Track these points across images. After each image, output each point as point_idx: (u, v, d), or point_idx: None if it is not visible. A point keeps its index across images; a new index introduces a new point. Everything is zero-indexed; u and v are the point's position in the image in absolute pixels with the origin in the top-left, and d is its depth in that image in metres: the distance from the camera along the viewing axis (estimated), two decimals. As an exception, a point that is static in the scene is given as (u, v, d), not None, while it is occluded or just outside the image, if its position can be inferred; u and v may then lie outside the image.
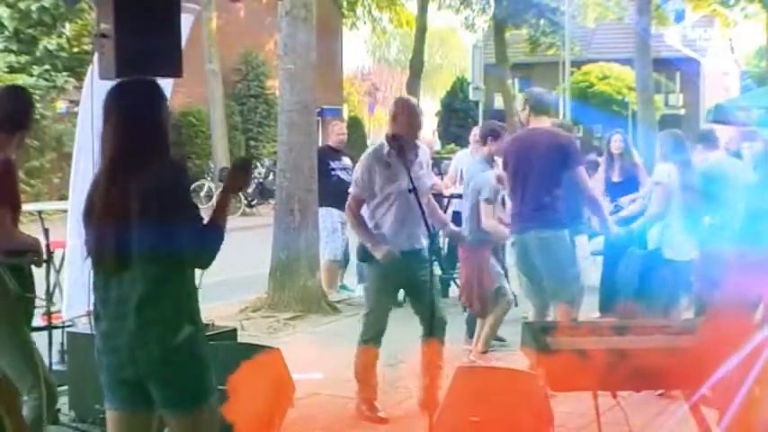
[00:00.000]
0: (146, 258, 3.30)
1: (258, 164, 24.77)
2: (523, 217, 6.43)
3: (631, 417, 4.37)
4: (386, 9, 34.31)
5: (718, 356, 3.37)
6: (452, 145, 32.06)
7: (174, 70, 5.66)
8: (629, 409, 4.29)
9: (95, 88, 6.20)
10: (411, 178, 5.37)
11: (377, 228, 5.73)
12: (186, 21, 6.51)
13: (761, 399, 2.84)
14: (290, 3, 9.71)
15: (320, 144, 11.78)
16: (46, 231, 5.70)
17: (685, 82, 38.78)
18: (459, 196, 8.55)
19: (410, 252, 5.69)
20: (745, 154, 8.21)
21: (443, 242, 9.05)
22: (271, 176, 22.05)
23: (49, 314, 5.82)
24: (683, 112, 38.39)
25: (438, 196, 8.73)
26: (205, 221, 3.38)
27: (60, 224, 7.07)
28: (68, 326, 6.31)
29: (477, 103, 27.18)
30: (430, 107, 45.73)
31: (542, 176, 6.29)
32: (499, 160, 7.07)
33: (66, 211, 6.98)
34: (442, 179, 10.92)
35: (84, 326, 5.97)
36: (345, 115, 34.22)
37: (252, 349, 5.00)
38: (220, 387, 3.62)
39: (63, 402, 5.65)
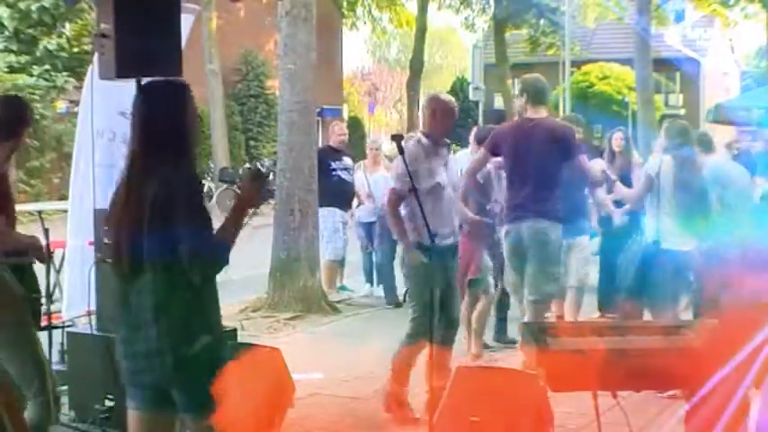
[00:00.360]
0: (156, 265, 3.29)
1: (258, 164, 24.76)
2: (521, 207, 6.32)
3: (631, 417, 4.37)
4: (386, 9, 34.27)
5: (723, 357, 3.37)
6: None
7: (174, 70, 5.66)
8: (629, 409, 4.29)
9: (95, 88, 6.21)
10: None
11: (414, 224, 5.65)
12: (186, 21, 6.51)
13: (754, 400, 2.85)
14: (290, 3, 9.71)
15: (320, 144, 11.79)
16: (46, 231, 5.68)
17: (685, 82, 38.77)
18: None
19: (446, 248, 5.71)
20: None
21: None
22: (271, 176, 22.03)
23: (49, 314, 5.81)
24: (683, 112, 38.35)
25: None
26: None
27: (60, 224, 7.07)
28: (68, 326, 6.31)
29: (477, 103, 27.21)
30: (430, 107, 45.66)
31: (541, 168, 6.21)
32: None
33: (66, 211, 6.98)
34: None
35: (84, 326, 5.98)
36: (345, 115, 34.23)
37: (252, 349, 4.99)
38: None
39: (63, 402, 5.65)
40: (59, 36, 22.28)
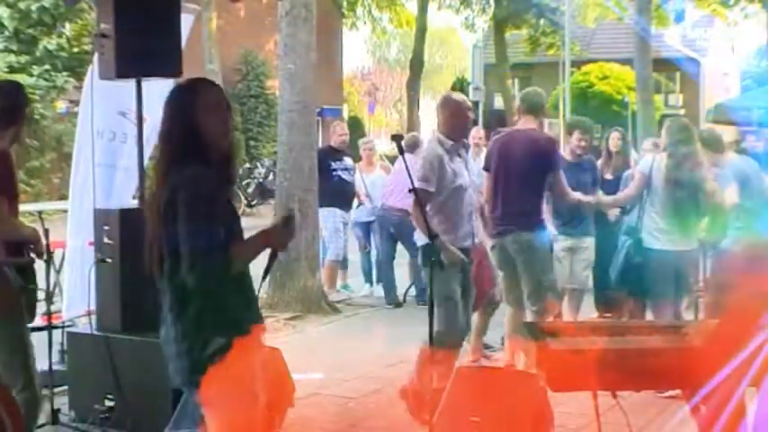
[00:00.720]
0: (169, 267, 3.32)
1: (258, 164, 24.77)
2: (504, 220, 6.39)
3: (631, 417, 4.37)
4: (386, 9, 34.27)
5: (723, 357, 3.37)
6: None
7: (174, 70, 5.68)
8: (629, 409, 4.29)
9: (95, 88, 6.21)
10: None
11: (443, 223, 5.65)
12: (186, 21, 6.51)
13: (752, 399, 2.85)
14: (289, 3, 9.71)
15: (320, 144, 11.80)
16: (46, 231, 5.67)
17: (685, 82, 38.73)
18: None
19: (465, 249, 5.75)
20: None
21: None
22: (271, 176, 22.05)
23: (49, 314, 5.82)
24: (683, 112, 38.33)
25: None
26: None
27: (60, 224, 7.07)
28: (68, 326, 6.31)
29: (477, 103, 27.16)
30: (430, 107, 45.72)
31: (522, 179, 6.26)
32: None
33: (66, 211, 6.98)
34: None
35: (84, 326, 5.98)
36: (345, 115, 34.22)
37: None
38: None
39: (63, 402, 5.66)
40: (59, 36, 22.26)
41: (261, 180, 23.57)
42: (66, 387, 5.75)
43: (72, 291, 6.62)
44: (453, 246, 5.63)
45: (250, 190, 23.38)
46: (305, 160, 9.70)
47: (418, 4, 32.56)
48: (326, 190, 9.96)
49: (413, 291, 10.18)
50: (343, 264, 10.89)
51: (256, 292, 3.53)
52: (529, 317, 6.36)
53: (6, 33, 21.47)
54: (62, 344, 6.18)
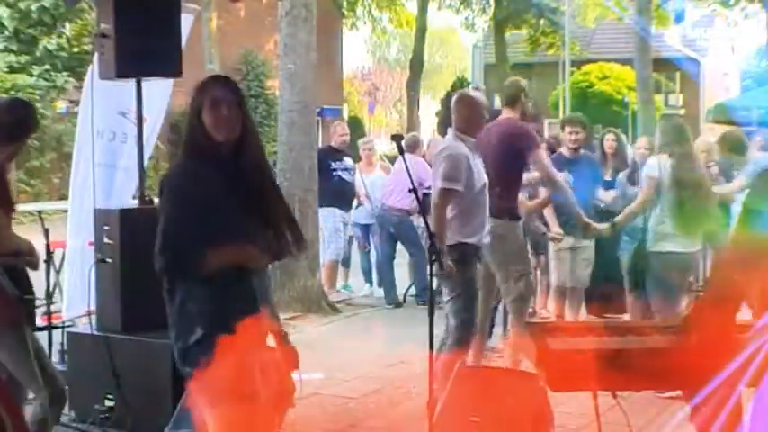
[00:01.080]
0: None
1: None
2: None
3: (631, 417, 4.37)
4: (386, 9, 34.30)
5: (702, 354, 3.38)
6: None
7: (174, 70, 5.69)
8: (628, 409, 4.29)
9: (95, 88, 6.21)
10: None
11: (470, 224, 5.61)
12: (186, 21, 6.51)
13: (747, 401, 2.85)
14: (289, 3, 9.71)
15: (320, 144, 11.79)
16: (46, 231, 5.70)
17: (685, 82, 38.75)
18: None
19: (480, 248, 5.74)
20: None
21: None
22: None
23: (49, 314, 5.82)
24: (682, 112, 38.35)
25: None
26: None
27: (60, 224, 7.07)
28: (68, 326, 6.31)
29: (477, 103, 27.13)
30: (430, 107, 45.74)
31: (494, 166, 6.11)
32: None
33: (66, 211, 6.98)
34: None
35: (84, 326, 5.97)
36: (345, 115, 34.23)
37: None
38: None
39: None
40: (59, 36, 22.28)
41: (261, 180, 23.56)
42: (66, 387, 5.75)
43: (72, 291, 6.62)
44: (481, 242, 5.65)
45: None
46: (305, 160, 9.70)
47: (418, 4, 32.59)
48: (326, 190, 9.96)
49: (413, 291, 10.18)
50: (345, 263, 10.90)
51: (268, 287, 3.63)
52: (508, 308, 6.37)
53: (6, 33, 21.49)
54: (62, 344, 6.18)
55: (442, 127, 38.85)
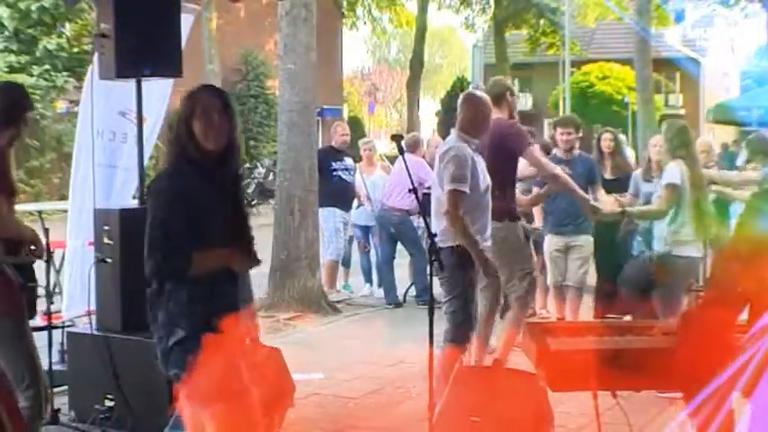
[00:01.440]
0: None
1: (258, 164, 24.77)
2: None
3: (631, 417, 4.37)
4: (386, 9, 34.32)
5: (701, 355, 3.38)
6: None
7: (174, 70, 5.68)
8: (628, 409, 4.29)
9: (95, 88, 6.21)
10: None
11: (474, 225, 5.56)
12: (186, 21, 6.50)
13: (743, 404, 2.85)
14: (290, 3, 9.70)
15: (320, 144, 11.79)
16: (46, 231, 5.68)
17: (685, 82, 38.78)
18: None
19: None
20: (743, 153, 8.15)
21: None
22: (271, 176, 22.07)
23: (49, 314, 5.82)
24: (682, 112, 38.38)
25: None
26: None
27: (60, 224, 7.06)
28: (68, 326, 6.31)
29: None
30: (430, 107, 45.76)
31: (488, 168, 6.05)
32: None
33: (66, 211, 6.97)
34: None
35: (84, 326, 5.97)
36: (345, 115, 34.23)
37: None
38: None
39: (63, 402, 5.66)
40: (59, 36, 22.28)
41: (261, 180, 23.58)
42: (66, 387, 5.75)
43: (72, 291, 6.61)
44: (484, 245, 5.60)
45: (250, 190, 23.36)
46: (305, 160, 9.70)
47: (418, 4, 32.60)
48: (327, 190, 9.96)
49: (413, 291, 10.18)
50: (345, 263, 10.90)
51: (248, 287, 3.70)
52: (511, 306, 6.37)
53: (6, 33, 21.49)
54: (62, 344, 6.17)
55: (442, 127, 38.95)
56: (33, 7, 21.04)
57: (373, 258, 10.68)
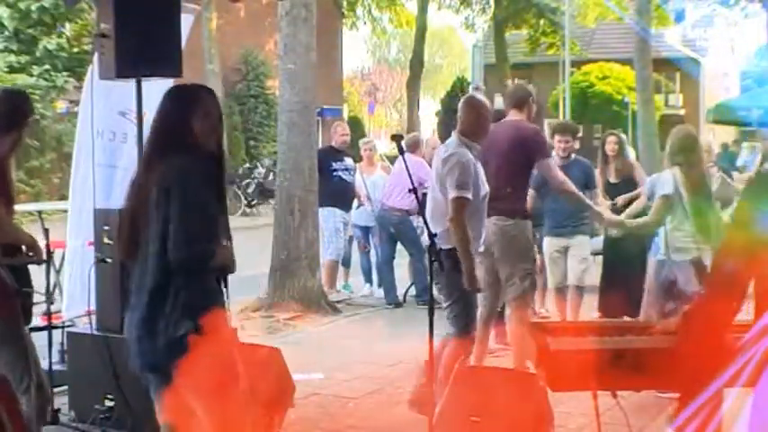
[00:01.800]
0: (154, 249, 3.43)
1: (258, 164, 24.76)
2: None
3: (631, 417, 4.38)
4: (386, 9, 34.33)
5: (699, 355, 3.38)
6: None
7: (174, 70, 5.67)
8: (628, 409, 4.30)
9: (95, 88, 6.21)
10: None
11: (472, 231, 5.52)
12: (186, 21, 6.50)
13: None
14: (290, 3, 9.70)
15: (320, 144, 11.78)
16: (46, 231, 5.68)
17: (685, 82, 38.80)
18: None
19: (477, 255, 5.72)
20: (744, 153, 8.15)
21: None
22: (271, 176, 22.07)
23: (49, 314, 5.82)
24: (682, 112, 38.40)
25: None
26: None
27: (60, 224, 7.06)
28: (68, 326, 6.31)
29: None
30: (430, 107, 45.75)
31: (503, 167, 6.17)
32: None
33: (66, 211, 6.97)
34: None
35: (84, 326, 5.97)
36: (345, 115, 34.23)
37: (252, 349, 4.99)
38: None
39: (63, 402, 5.66)
40: (59, 36, 22.28)
41: (261, 180, 23.57)
42: (66, 387, 5.75)
43: (72, 291, 6.62)
44: (477, 250, 5.61)
45: (250, 190, 23.39)
46: (305, 160, 9.70)
47: (418, 4, 32.61)
48: (327, 190, 9.96)
49: (413, 291, 10.18)
50: (345, 263, 10.90)
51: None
52: (507, 305, 6.40)
53: (6, 33, 21.49)
54: (62, 344, 6.17)
55: (442, 127, 38.94)
56: (33, 7, 21.03)
57: (373, 258, 10.68)
